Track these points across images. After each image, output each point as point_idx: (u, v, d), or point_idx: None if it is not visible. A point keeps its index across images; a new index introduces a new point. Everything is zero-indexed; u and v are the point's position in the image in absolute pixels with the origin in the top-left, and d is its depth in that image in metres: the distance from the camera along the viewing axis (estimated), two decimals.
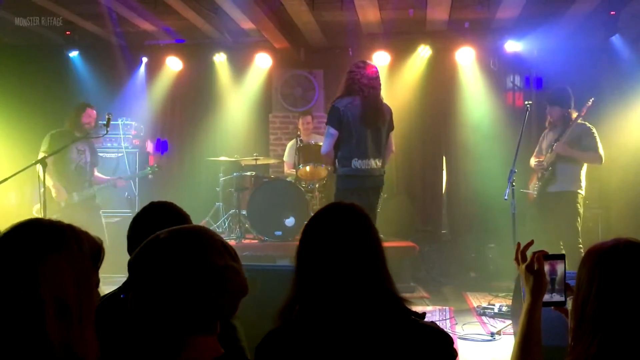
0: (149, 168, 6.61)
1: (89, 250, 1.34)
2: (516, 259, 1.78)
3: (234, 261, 1.38)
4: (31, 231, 1.30)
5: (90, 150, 5.87)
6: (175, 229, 1.40)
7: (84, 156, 5.76)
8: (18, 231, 1.30)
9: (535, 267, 1.72)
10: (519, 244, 1.79)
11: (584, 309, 1.43)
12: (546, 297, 1.72)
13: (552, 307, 1.74)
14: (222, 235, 7.35)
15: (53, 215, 5.55)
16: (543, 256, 1.73)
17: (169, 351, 1.29)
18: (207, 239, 1.36)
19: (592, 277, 1.44)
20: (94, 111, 5.79)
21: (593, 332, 1.39)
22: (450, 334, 1.67)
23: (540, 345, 1.69)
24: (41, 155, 5.51)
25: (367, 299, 1.59)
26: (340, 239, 1.64)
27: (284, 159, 7.41)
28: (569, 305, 1.62)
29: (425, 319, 1.66)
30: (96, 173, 6.09)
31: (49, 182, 5.55)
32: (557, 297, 1.73)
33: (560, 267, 1.74)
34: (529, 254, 1.77)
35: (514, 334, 4.28)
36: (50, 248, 1.28)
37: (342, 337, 1.56)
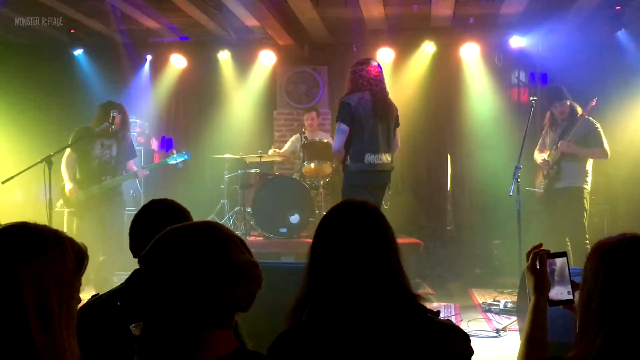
0: (176, 155, 6.00)
1: (72, 256, 1.33)
2: (527, 260, 1.80)
3: (251, 255, 1.39)
4: (13, 236, 1.29)
5: (118, 144, 5.76)
6: (193, 224, 1.39)
7: (109, 151, 5.71)
8: (2, 234, 1.29)
9: (537, 266, 1.73)
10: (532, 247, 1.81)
11: (589, 304, 1.43)
12: (552, 296, 1.72)
13: (562, 306, 1.74)
14: None
15: (71, 208, 5.61)
16: (546, 254, 1.74)
17: (187, 345, 1.29)
18: (225, 234, 1.36)
19: (597, 272, 1.44)
20: (119, 117, 5.66)
21: (598, 326, 1.39)
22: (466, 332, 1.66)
23: (546, 343, 1.69)
24: (67, 150, 5.61)
25: (382, 297, 1.57)
26: (355, 237, 1.61)
27: (284, 147, 7.40)
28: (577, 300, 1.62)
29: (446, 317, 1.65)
30: (132, 166, 5.96)
31: (65, 176, 5.61)
32: (564, 295, 1.73)
33: (561, 262, 1.74)
34: (531, 255, 1.78)
35: (520, 330, 4.27)
36: (31, 253, 1.26)
37: (358, 336, 1.53)
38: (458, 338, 1.58)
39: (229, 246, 1.34)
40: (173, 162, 6.03)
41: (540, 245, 1.80)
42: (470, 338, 1.63)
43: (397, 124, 5.02)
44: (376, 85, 4.83)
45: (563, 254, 1.75)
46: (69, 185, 5.59)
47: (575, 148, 5.44)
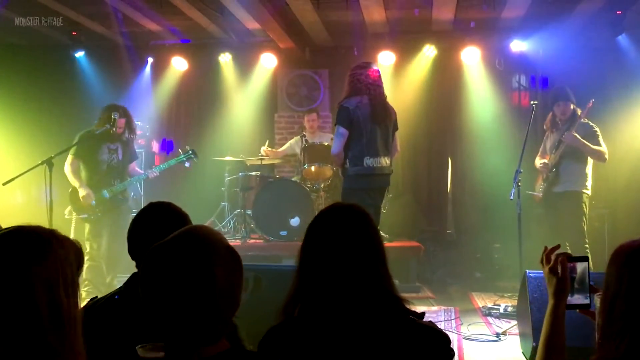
0: (182, 155, 6.00)
1: (73, 255, 1.34)
2: (542, 261, 1.77)
3: (234, 269, 1.40)
4: (21, 240, 1.29)
5: (123, 147, 5.74)
6: (178, 248, 1.39)
7: (115, 155, 5.68)
8: (6, 240, 1.29)
9: (558, 270, 1.71)
10: (545, 248, 1.79)
11: (612, 309, 1.41)
12: (570, 300, 1.71)
13: (577, 310, 1.73)
14: (227, 236, 7.27)
15: (82, 214, 5.58)
16: (567, 258, 1.72)
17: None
18: (211, 264, 1.36)
19: (621, 277, 1.42)
20: (123, 120, 5.64)
21: (622, 332, 1.37)
22: (447, 334, 1.69)
23: (564, 347, 1.68)
24: (69, 156, 5.56)
25: (365, 298, 1.62)
26: (341, 239, 1.67)
27: (283, 147, 7.41)
28: (597, 303, 1.61)
29: (429, 319, 1.68)
30: (135, 168, 5.98)
31: (75, 183, 5.54)
32: (581, 300, 1.72)
33: (582, 269, 1.72)
34: (552, 256, 1.75)
35: (520, 334, 4.27)
36: (40, 256, 1.27)
37: (341, 335, 1.59)
38: (437, 339, 1.62)
39: (213, 274, 1.35)
40: (181, 161, 5.99)
41: (558, 246, 1.79)
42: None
43: (395, 128, 5.03)
44: (375, 89, 4.84)
45: (584, 259, 1.74)
46: (82, 191, 5.51)
47: (580, 140, 5.40)
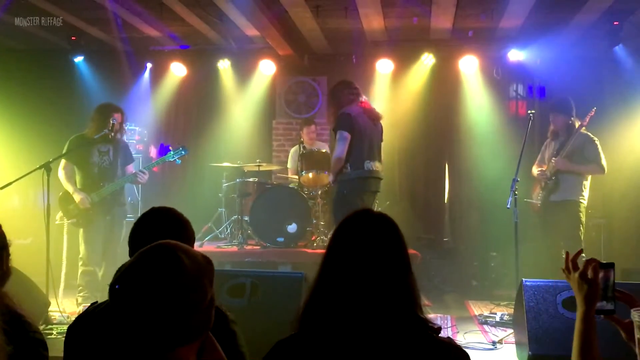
0: (172, 152, 5.73)
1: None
2: (566, 267, 1.76)
3: (202, 284, 1.38)
4: None
5: (115, 149, 5.62)
6: (145, 264, 1.42)
7: (106, 157, 5.58)
8: None
9: (590, 276, 1.69)
10: (567, 253, 1.77)
11: None
12: (597, 305, 1.70)
13: (602, 316, 1.72)
14: (224, 242, 7.22)
15: (72, 219, 5.53)
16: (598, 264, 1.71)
17: None
18: (173, 279, 1.37)
19: None
20: (119, 114, 5.51)
21: None
22: (466, 351, 1.61)
23: (598, 354, 1.65)
24: (62, 161, 5.50)
25: (386, 312, 1.53)
26: (374, 249, 1.58)
27: (288, 165, 7.43)
28: (635, 317, 1.59)
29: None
30: (130, 171, 5.76)
31: (69, 188, 5.48)
32: (607, 306, 1.71)
33: (610, 275, 1.72)
34: (579, 262, 1.75)
35: (516, 343, 4.27)
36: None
37: (357, 350, 1.50)
38: (457, 356, 1.56)
39: (178, 290, 1.36)
40: (170, 159, 5.80)
41: (581, 251, 1.78)
42: (466, 350, 1.61)
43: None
44: (363, 96, 5.24)
45: (611, 265, 1.73)
46: (77, 196, 5.44)
47: (571, 165, 5.45)
